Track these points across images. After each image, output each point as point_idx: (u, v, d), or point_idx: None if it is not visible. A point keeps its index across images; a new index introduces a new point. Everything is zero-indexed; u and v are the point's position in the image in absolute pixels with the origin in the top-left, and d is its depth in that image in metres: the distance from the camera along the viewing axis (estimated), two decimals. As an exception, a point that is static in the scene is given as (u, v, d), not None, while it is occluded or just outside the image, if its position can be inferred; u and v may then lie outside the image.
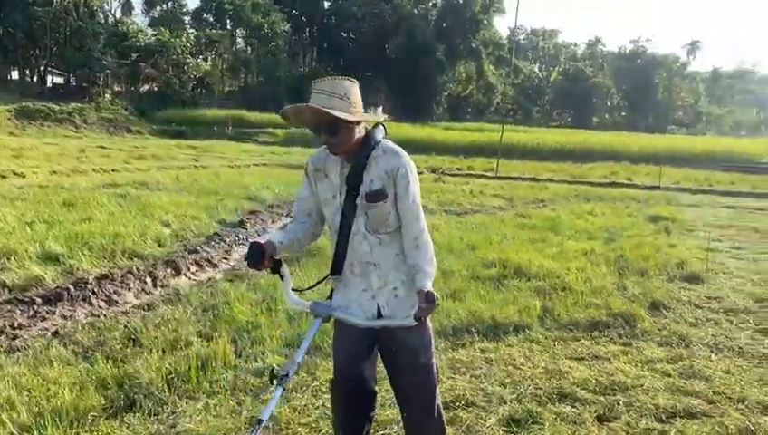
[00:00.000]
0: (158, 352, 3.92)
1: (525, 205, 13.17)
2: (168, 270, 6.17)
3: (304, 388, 3.62)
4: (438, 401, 2.61)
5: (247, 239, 7.90)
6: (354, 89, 2.34)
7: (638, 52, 74.75)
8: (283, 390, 2.20)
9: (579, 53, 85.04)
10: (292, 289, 2.48)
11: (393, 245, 2.44)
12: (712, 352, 4.49)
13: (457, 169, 22.86)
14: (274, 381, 2.20)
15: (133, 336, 4.25)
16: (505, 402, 3.51)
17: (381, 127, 2.47)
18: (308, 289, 2.75)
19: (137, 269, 5.93)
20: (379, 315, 2.43)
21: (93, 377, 3.55)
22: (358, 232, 2.42)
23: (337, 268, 2.49)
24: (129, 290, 5.55)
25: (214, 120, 39.93)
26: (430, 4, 62.12)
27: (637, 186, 19.27)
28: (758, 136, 59.50)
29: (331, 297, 2.58)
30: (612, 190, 17.24)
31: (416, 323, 2.22)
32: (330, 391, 2.72)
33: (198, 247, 7.15)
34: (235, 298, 5.12)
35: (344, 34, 61.52)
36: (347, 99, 2.29)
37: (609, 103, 75.70)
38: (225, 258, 7.17)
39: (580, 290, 5.73)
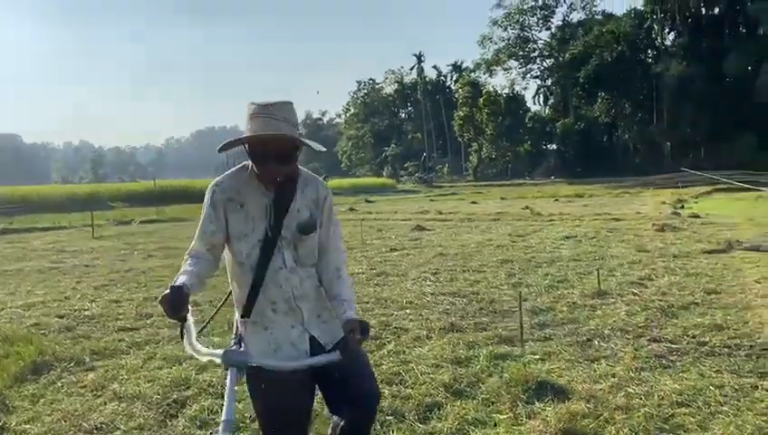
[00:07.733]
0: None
1: None
2: None
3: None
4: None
5: None
6: (295, 111, 2.17)
7: None
8: None
9: None
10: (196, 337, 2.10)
11: (315, 276, 2.31)
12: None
13: None
14: None
15: None
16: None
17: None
18: (204, 326, 2.57)
19: None
20: (312, 346, 2.24)
21: None
22: (284, 267, 2.21)
23: (250, 310, 2.21)
24: None
25: None
26: None
27: None
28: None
29: (239, 345, 2.25)
30: None
31: (341, 357, 2.04)
32: None
33: None
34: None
35: None
36: (294, 124, 2.13)
37: None
38: None
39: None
